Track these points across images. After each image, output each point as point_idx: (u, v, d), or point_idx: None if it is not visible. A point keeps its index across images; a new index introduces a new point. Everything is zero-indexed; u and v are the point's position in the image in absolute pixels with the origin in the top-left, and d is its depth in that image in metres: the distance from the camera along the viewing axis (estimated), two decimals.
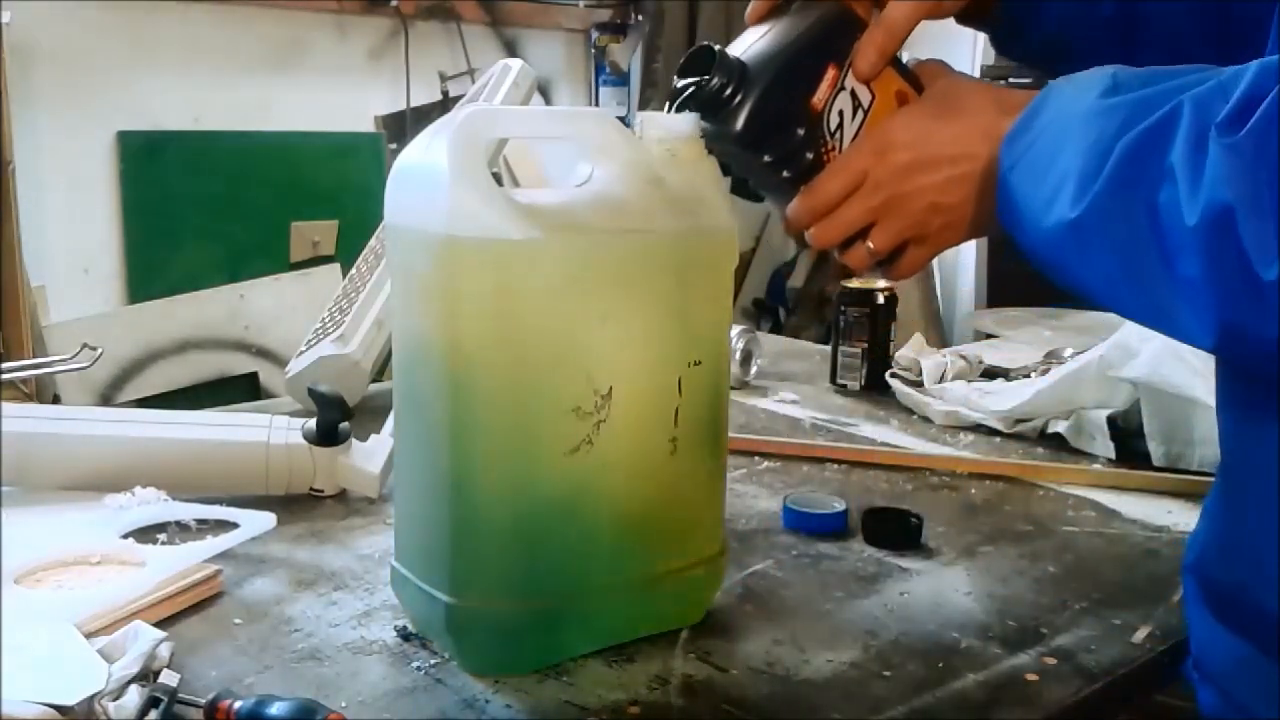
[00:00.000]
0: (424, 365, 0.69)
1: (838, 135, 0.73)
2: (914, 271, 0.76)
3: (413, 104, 3.10)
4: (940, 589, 0.83)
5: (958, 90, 0.73)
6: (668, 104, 0.73)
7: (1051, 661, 0.72)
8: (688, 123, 0.72)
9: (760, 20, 0.74)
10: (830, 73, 0.72)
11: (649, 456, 0.71)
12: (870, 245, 0.73)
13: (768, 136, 0.72)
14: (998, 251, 3.50)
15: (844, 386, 1.40)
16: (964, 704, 0.67)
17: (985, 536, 0.94)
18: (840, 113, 0.73)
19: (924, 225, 0.72)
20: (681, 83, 0.72)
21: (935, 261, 3.92)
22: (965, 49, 3.22)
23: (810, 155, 0.72)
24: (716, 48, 0.71)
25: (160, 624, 0.71)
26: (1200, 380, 1.06)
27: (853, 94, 0.73)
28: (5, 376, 1.09)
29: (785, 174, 0.73)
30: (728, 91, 0.71)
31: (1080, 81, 0.64)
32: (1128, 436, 1.13)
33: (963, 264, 3.56)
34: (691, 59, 0.72)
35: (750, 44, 0.73)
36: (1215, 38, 0.72)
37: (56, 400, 2.27)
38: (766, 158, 0.72)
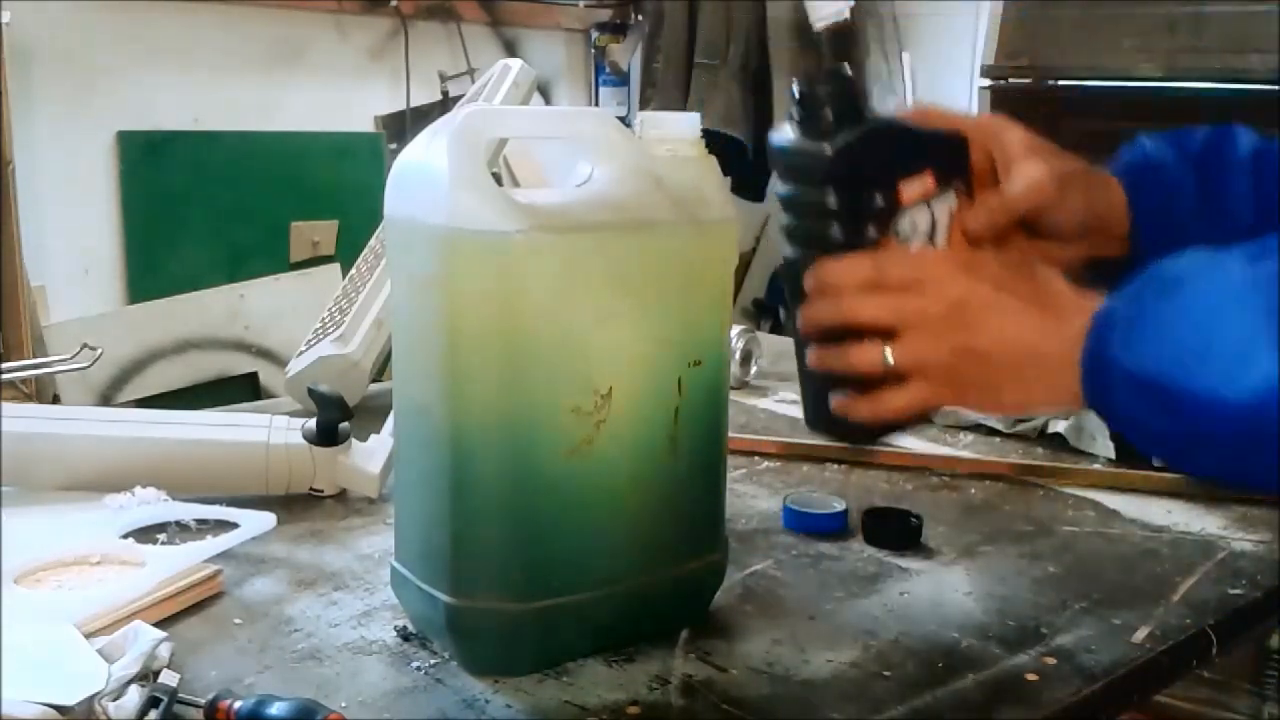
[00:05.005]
0: (424, 365, 0.69)
1: (904, 244, 0.72)
2: (908, 412, 0.71)
3: (413, 104, 3.10)
4: (940, 589, 0.83)
5: (1049, 274, 0.69)
6: (793, 106, 0.72)
7: (1051, 661, 0.72)
8: (688, 122, 0.71)
9: None
10: (927, 179, 0.72)
11: (649, 456, 0.71)
12: (888, 350, 0.68)
13: (848, 179, 0.70)
14: None
15: None
16: (964, 704, 0.67)
17: (985, 536, 0.94)
18: (914, 224, 0.72)
19: (954, 365, 0.68)
20: (801, 89, 0.72)
21: None
22: (965, 47, 3.21)
23: (872, 231, 0.71)
24: (851, 76, 0.71)
25: (160, 624, 0.71)
26: None
27: (933, 220, 0.73)
28: (5, 376, 1.09)
29: (836, 230, 0.71)
30: (838, 111, 0.70)
31: (1198, 259, 0.63)
32: None
33: None
34: (827, 75, 0.71)
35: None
36: None
37: (56, 400, 2.27)
38: (832, 202, 0.70)
